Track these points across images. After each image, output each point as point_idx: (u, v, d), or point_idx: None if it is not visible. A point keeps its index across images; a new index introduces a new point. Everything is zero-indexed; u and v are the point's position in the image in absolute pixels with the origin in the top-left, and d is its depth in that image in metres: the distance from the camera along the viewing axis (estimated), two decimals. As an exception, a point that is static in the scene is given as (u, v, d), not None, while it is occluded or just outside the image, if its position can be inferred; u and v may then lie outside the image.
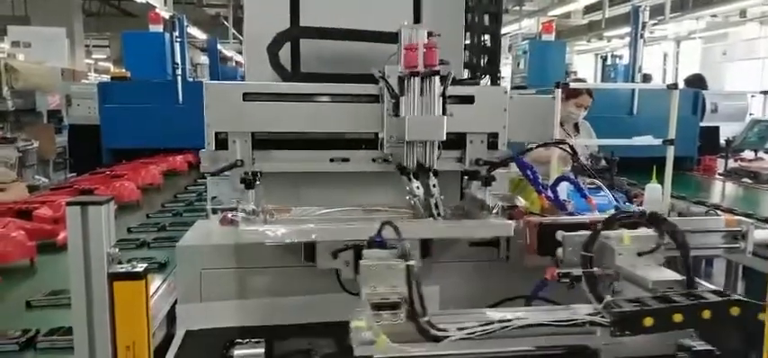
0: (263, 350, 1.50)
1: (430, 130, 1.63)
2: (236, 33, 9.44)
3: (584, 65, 14.13)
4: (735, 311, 1.24)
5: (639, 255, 1.45)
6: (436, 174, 1.64)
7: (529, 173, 1.84)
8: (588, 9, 11.80)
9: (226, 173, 1.79)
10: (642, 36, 4.88)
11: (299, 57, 1.82)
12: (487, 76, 1.96)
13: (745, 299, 1.26)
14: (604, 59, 12.03)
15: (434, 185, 1.62)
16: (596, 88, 4.51)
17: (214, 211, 1.71)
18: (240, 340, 1.55)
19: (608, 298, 1.28)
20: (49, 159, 4.21)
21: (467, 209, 1.79)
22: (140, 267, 0.98)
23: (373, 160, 1.78)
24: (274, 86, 1.75)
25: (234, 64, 8.72)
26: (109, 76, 5.88)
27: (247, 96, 1.72)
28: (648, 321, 1.20)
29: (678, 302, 1.25)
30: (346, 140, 1.79)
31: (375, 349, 1.14)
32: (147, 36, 5.36)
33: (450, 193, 1.88)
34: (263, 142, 1.75)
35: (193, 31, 8.20)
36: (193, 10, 6.65)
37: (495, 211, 1.64)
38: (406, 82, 1.61)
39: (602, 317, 1.24)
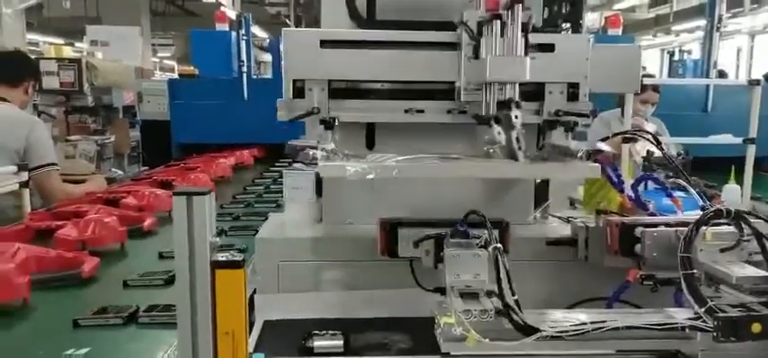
0: (341, 341, 1.52)
1: (512, 70, 1.56)
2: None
3: (649, 60, 13.60)
4: None
5: (722, 251, 1.39)
6: (519, 105, 1.55)
7: (610, 172, 1.78)
8: (654, 2, 11.35)
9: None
10: (718, 29, 4.65)
11: (374, 4, 1.82)
12: (569, 24, 1.90)
13: None
14: (671, 55, 11.53)
15: (517, 117, 1.53)
16: (668, 84, 4.34)
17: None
18: (317, 331, 1.58)
19: (710, 302, 1.22)
20: (123, 153, 4.41)
21: (547, 157, 1.71)
22: (239, 256, 1.01)
23: (448, 111, 1.75)
24: (351, 34, 1.75)
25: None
26: (177, 74, 6.09)
27: (325, 43, 1.72)
28: (756, 327, 1.14)
29: None
30: (421, 91, 1.77)
31: (465, 345, 1.13)
32: (214, 34, 5.54)
33: (527, 147, 1.84)
34: (339, 91, 1.76)
35: (255, 29, 8.41)
36: (255, 9, 6.83)
37: (579, 155, 1.57)
38: (486, 27, 1.57)
39: (704, 321, 1.18)
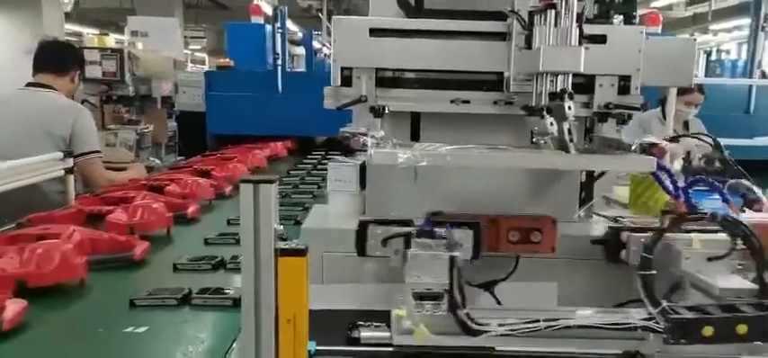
0: (388, 333, 1.53)
1: (566, 61, 1.55)
2: (329, 26, 9.70)
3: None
4: None
5: (709, 260, 1.36)
6: (572, 96, 1.54)
7: (662, 172, 1.74)
8: (692, 0, 11.09)
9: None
10: (764, 28, 4.52)
11: None
12: (621, 16, 1.87)
13: None
14: (708, 55, 11.26)
15: (570, 108, 1.51)
16: (710, 84, 4.24)
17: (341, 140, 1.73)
18: (362, 322, 1.59)
19: (665, 303, 1.20)
20: (161, 143, 4.50)
21: (596, 150, 1.70)
22: (302, 245, 1.03)
23: (495, 102, 1.75)
24: (400, 22, 1.76)
25: (322, 56, 8.95)
26: (207, 66, 6.18)
27: (374, 32, 1.74)
28: (708, 331, 1.12)
29: (744, 312, 1.15)
30: (467, 81, 1.77)
31: (414, 338, 1.15)
32: (249, 27, 5.60)
33: (576, 140, 1.83)
34: (385, 80, 1.78)
35: (287, 23, 8.47)
36: (287, 2, 6.87)
37: (633, 148, 1.55)
38: (538, 16, 1.56)
39: (657, 323, 1.17)
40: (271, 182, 0.99)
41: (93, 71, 3.76)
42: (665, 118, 3.58)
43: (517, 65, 1.68)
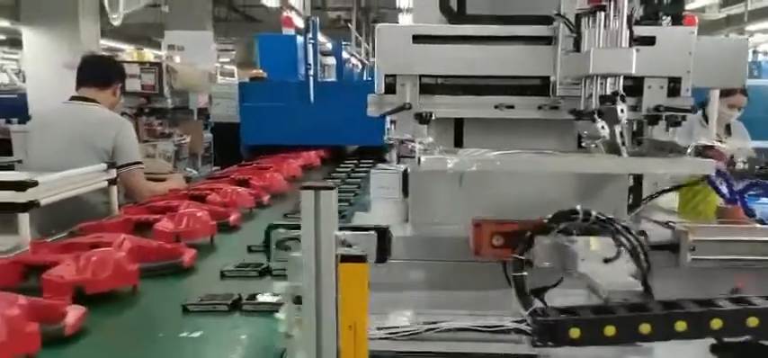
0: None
1: (617, 63, 1.51)
2: (358, 36, 9.80)
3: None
4: (681, 326, 1.09)
5: (606, 261, 1.33)
6: (624, 99, 1.50)
7: (717, 177, 1.71)
8: (726, 1, 10.84)
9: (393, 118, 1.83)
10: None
11: None
12: (669, 17, 1.84)
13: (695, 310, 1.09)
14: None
15: (622, 110, 1.47)
16: (751, 86, 4.13)
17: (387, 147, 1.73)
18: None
19: (538, 304, 1.17)
20: (197, 153, 4.57)
21: (647, 153, 1.67)
22: (362, 251, 1.03)
23: (539, 107, 1.74)
24: (443, 29, 1.76)
25: (351, 65, 9.02)
26: (236, 78, 6.27)
27: (417, 38, 1.74)
28: (575, 333, 1.07)
29: (614, 313, 1.10)
30: (511, 86, 1.76)
31: (291, 342, 1.13)
32: (281, 38, 5.66)
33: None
34: (428, 87, 1.78)
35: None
36: (317, 13, 6.95)
37: (688, 151, 1.51)
38: (586, 19, 1.54)
39: (527, 324, 1.13)
40: (331, 188, 0.99)
41: (132, 84, 3.85)
42: (707, 121, 3.51)
43: (564, 69, 1.66)
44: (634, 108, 1.71)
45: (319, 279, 1.00)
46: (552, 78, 1.68)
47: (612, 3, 1.51)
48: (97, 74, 3.36)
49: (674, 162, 1.52)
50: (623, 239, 1.34)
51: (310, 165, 4.31)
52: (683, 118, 1.59)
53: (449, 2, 1.80)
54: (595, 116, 1.50)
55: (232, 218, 2.41)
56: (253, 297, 1.58)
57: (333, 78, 6.35)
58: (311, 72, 4.98)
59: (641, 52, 1.66)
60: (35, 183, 2.32)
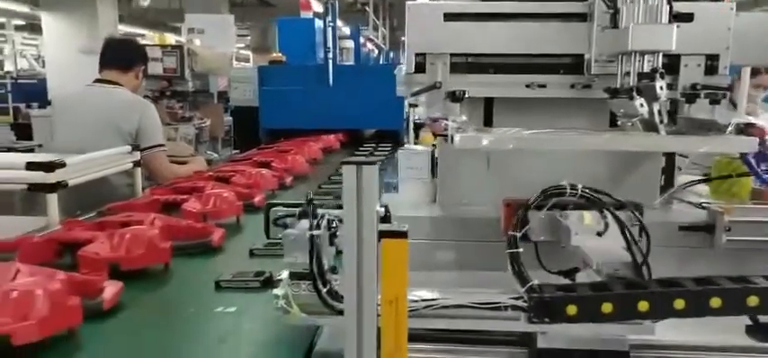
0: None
1: (657, 39, 1.49)
2: (375, 20, 9.75)
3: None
4: (679, 304, 1.07)
5: (599, 235, 1.32)
6: (663, 76, 1.47)
7: (753, 157, 1.66)
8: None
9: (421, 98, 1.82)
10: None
11: None
12: None
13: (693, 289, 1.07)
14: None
15: (662, 88, 1.46)
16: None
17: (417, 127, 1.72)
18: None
19: (535, 281, 1.14)
20: (218, 137, 4.58)
21: (686, 131, 1.63)
22: (403, 226, 1.02)
23: (572, 86, 1.72)
24: (476, 6, 1.74)
25: (367, 49, 8.98)
26: (252, 63, 6.28)
27: (448, 16, 1.72)
28: (572, 309, 1.06)
29: (610, 290, 1.08)
30: (543, 65, 1.74)
31: (288, 318, 1.15)
32: (299, 22, 5.65)
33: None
34: (459, 65, 1.76)
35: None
36: (332, -3, 6.94)
37: (729, 130, 1.47)
38: None
39: (525, 301, 1.12)
40: (373, 163, 0.99)
41: (154, 68, 3.87)
42: (734, 105, 3.44)
43: (599, 46, 1.63)
44: (670, 86, 1.68)
45: (361, 255, 1.00)
46: (587, 56, 1.66)
47: None
48: (120, 57, 3.37)
49: (715, 140, 1.48)
50: (609, 214, 1.32)
51: (330, 148, 4.31)
52: (724, 95, 1.55)
53: None
54: (634, 93, 1.47)
55: (256, 199, 2.43)
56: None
57: (351, 62, 6.33)
58: (330, 55, 4.96)
59: (679, 29, 1.65)
60: (63, 164, 2.34)
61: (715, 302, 1.07)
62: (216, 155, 4.41)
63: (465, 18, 1.73)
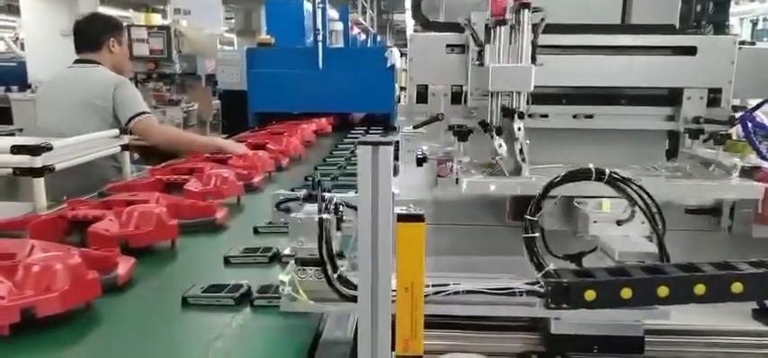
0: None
1: (516, 81, 1.51)
2: (365, 3, 9.63)
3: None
4: (699, 290, 1.04)
5: (619, 223, 1.30)
6: (522, 116, 1.50)
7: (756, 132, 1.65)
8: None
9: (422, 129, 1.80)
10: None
11: None
12: (711, 26, 1.78)
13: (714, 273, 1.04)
14: (755, 24, 10.88)
15: (520, 129, 1.49)
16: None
17: (420, 162, 1.68)
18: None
19: (551, 266, 1.12)
20: (206, 120, 4.49)
21: (689, 169, 1.64)
22: (418, 209, 0.98)
23: (574, 116, 1.71)
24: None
25: (355, 32, 8.88)
26: (236, 47, 6.16)
27: (450, 47, 1.72)
28: (591, 295, 1.04)
29: (630, 275, 1.06)
30: (550, 96, 1.71)
31: (296, 305, 1.12)
32: (288, 4, 5.54)
33: (655, 155, 1.77)
34: (458, 96, 1.74)
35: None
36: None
37: (734, 173, 1.47)
38: (492, 31, 1.52)
39: (541, 287, 1.09)
40: (389, 143, 0.94)
41: (140, 49, 3.76)
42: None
43: (473, 80, 1.65)
44: (672, 118, 1.67)
45: (376, 239, 0.96)
46: (464, 88, 1.70)
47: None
48: (86, 35, 3.26)
49: (723, 186, 1.46)
50: (638, 199, 1.27)
51: (322, 131, 4.25)
52: (728, 135, 1.54)
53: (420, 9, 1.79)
54: (493, 134, 1.51)
55: (256, 179, 2.44)
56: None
57: (340, 45, 6.24)
58: (319, 37, 4.87)
59: (681, 62, 1.63)
60: (49, 148, 2.26)
61: (736, 287, 1.04)
62: (204, 139, 4.31)
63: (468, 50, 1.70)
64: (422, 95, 1.74)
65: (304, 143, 3.52)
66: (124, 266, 1.38)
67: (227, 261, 1.55)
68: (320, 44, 4.88)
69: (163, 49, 3.79)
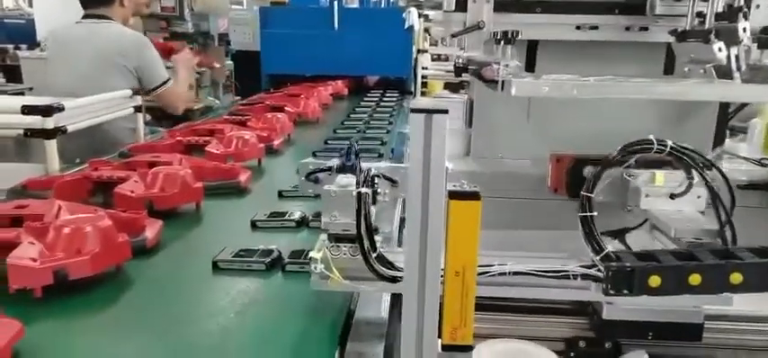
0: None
1: None
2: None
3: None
4: None
5: (672, 197, 1.20)
6: (746, 16, 1.34)
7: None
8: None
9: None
10: None
11: None
12: None
13: None
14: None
15: (745, 29, 1.32)
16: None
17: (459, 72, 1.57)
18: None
19: (609, 248, 1.03)
20: (219, 82, 4.37)
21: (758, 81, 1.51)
22: (473, 186, 0.88)
23: (627, 28, 1.60)
24: None
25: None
26: (244, 5, 5.98)
27: None
28: (655, 281, 0.95)
29: (699, 260, 0.96)
30: (596, 4, 1.62)
31: (329, 284, 1.04)
32: (302, -39, 5.36)
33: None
34: (505, 4, 1.64)
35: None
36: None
37: None
38: None
39: (599, 270, 1.00)
40: (445, 111, 0.84)
41: (151, 7, 3.62)
42: None
43: None
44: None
45: (426, 217, 0.86)
46: None
47: None
48: None
49: None
50: (697, 175, 1.18)
51: (339, 93, 4.15)
52: None
53: None
54: (711, 37, 1.31)
55: (276, 142, 2.41)
56: (318, 215, 1.47)
57: (356, 5, 6.06)
58: (335, -5, 4.71)
59: None
60: (61, 108, 2.17)
61: (817, 273, 0.95)
62: (217, 101, 4.21)
63: None
64: (460, 2, 1.62)
65: (322, 106, 3.42)
66: (152, 229, 1.35)
67: (254, 225, 1.52)
68: (336, 3, 4.73)
69: (174, 6, 3.66)
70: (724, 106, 1.73)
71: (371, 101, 4.01)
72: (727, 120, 1.75)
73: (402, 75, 4.79)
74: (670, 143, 1.14)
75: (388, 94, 4.36)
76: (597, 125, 1.68)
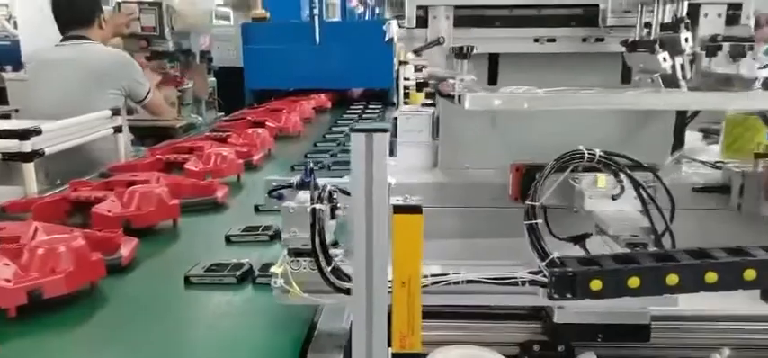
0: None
1: None
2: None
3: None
4: (711, 278, 0.99)
5: (614, 198, 1.26)
6: (688, 27, 1.40)
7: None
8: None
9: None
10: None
11: None
12: None
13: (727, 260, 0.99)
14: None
15: (687, 40, 1.38)
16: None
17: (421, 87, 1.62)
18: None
19: (555, 254, 1.07)
20: (202, 99, 4.41)
21: (705, 88, 1.54)
22: (415, 200, 0.93)
23: (583, 40, 1.65)
24: None
25: (352, 3, 8.75)
26: (232, 22, 6.02)
27: None
28: (596, 285, 0.99)
29: (638, 263, 1.01)
30: (553, 17, 1.66)
31: (289, 297, 1.08)
32: (283, -23, 5.41)
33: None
34: (464, 19, 1.68)
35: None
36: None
37: (756, 85, 1.39)
38: None
39: (545, 276, 1.04)
40: (385, 130, 0.88)
41: (131, 26, 3.66)
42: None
43: None
44: (685, 39, 1.59)
45: (371, 232, 0.90)
46: (602, 6, 1.56)
47: None
48: (75, 12, 3.20)
49: (749, 96, 1.39)
50: (624, 177, 1.25)
51: (322, 107, 4.19)
52: (750, 47, 1.46)
53: None
54: (656, 47, 1.37)
55: (256, 158, 2.44)
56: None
57: (337, 19, 6.12)
58: (316, 11, 4.76)
59: None
60: (39, 131, 2.20)
61: (749, 274, 0.99)
62: (200, 118, 4.23)
63: None
64: (421, 19, 1.67)
65: (303, 120, 3.46)
66: (127, 247, 1.39)
67: (228, 240, 1.56)
68: (316, 18, 4.77)
69: (155, 26, 3.70)
70: (681, 112, 1.79)
71: (354, 113, 4.06)
72: (684, 125, 1.80)
73: (385, 86, 4.84)
74: (598, 152, 1.20)
75: (371, 106, 4.41)
76: (561, 133, 1.72)
